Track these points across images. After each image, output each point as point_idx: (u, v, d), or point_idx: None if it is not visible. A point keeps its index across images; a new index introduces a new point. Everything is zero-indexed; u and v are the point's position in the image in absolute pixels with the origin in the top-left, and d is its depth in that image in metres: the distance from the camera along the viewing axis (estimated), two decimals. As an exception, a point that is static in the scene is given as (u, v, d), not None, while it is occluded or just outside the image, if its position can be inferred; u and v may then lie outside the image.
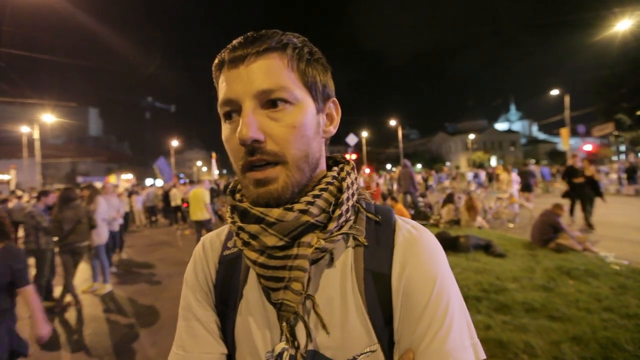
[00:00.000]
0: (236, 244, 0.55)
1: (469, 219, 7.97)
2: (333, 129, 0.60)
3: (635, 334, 2.69)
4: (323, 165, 0.59)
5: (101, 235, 5.14)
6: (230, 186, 0.62)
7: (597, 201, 7.39)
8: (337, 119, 0.61)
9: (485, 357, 0.49)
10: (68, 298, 4.49)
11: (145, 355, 3.21)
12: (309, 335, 0.51)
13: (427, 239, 0.56)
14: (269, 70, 0.49)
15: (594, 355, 2.47)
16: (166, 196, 12.54)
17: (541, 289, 3.75)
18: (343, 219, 0.53)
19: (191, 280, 0.63)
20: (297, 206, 0.50)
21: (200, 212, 6.74)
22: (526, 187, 9.92)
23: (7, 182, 15.18)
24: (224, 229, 0.67)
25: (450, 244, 5.55)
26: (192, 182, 13.12)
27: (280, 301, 0.49)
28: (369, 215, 0.58)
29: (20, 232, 4.79)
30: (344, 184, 0.56)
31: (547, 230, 5.48)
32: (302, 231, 0.50)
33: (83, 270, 5.36)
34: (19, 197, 10.64)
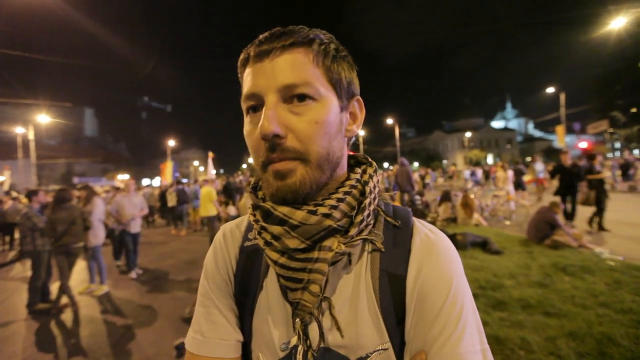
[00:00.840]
0: (257, 240, 0.56)
1: (465, 217, 8.00)
2: (356, 128, 0.59)
3: (630, 329, 2.72)
4: (344, 165, 0.58)
5: (98, 236, 5.11)
6: (252, 183, 0.62)
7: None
8: (361, 118, 0.60)
9: None
10: (64, 299, 4.47)
11: (144, 355, 3.20)
12: (321, 335, 0.52)
13: (444, 243, 0.56)
14: (294, 65, 0.49)
15: (590, 351, 2.49)
16: (163, 196, 12.49)
17: (537, 286, 3.78)
18: (364, 223, 0.53)
19: (211, 267, 0.63)
20: (320, 210, 0.50)
21: (209, 208, 7.53)
22: (518, 186, 10.03)
23: (1, 184, 15.03)
24: (244, 220, 0.67)
25: (447, 242, 5.57)
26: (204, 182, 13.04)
27: (297, 300, 0.50)
28: (388, 219, 0.58)
29: (16, 234, 4.76)
30: (367, 188, 0.55)
31: (544, 227, 5.51)
32: (324, 235, 0.50)
33: (79, 272, 5.33)
34: (14, 199, 10.56)
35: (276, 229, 0.50)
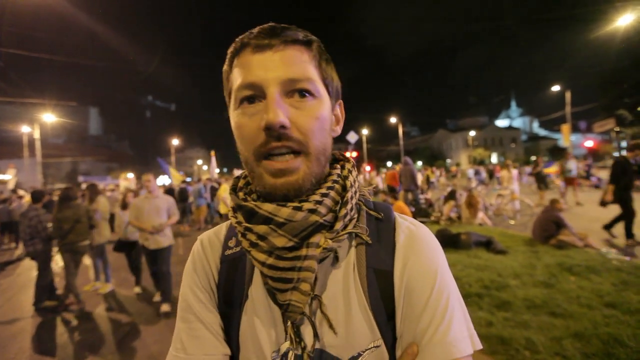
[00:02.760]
0: (240, 244, 0.55)
1: (469, 216, 7.96)
2: (339, 129, 0.61)
3: (637, 329, 2.69)
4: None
5: (103, 235, 5.16)
6: (231, 184, 0.61)
7: (598, 197, 7.26)
8: (342, 120, 0.63)
9: (481, 347, 0.50)
10: (70, 297, 4.51)
11: (148, 353, 3.22)
12: (316, 335, 0.51)
13: (426, 235, 0.58)
14: (298, 61, 0.50)
15: (596, 351, 2.46)
16: (168, 194, 12.57)
17: (542, 286, 3.75)
18: (348, 217, 0.54)
19: (191, 279, 0.61)
20: (306, 205, 0.50)
21: (224, 206, 8.19)
22: (541, 184, 10.25)
23: (6, 182, 15.15)
24: (222, 228, 0.66)
25: (452, 241, 5.55)
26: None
27: (287, 302, 0.49)
28: (371, 212, 0.60)
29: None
30: (347, 182, 0.56)
31: (549, 227, 5.46)
32: (311, 232, 0.50)
33: (85, 270, 5.37)
34: (20, 197, 10.65)
35: (262, 229, 0.49)
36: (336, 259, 0.54)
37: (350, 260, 0.55)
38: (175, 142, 38.09)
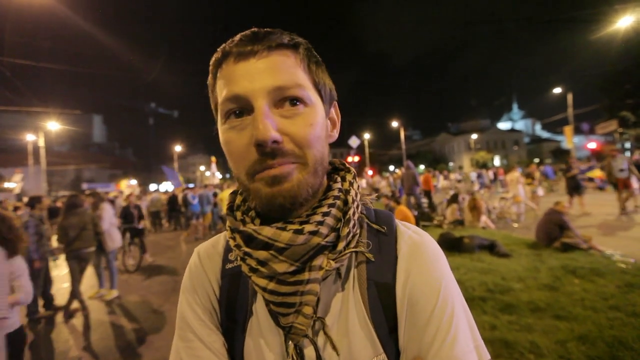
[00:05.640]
0: (239, 263, 0.53)
1: (472, 219, 7.94)
2: (336, 133, 0.58)
3: (642, 332, 2.68)
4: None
5: (114, 240, 5.20)
6: (228, 201, 0.58)
7: (603, 199, 7.26)
8: (338, 123, 0.60)
9: (489, 357, 0.49)
10: (75, 304, 4.53)
11: (154, 359, 3.23)
12: (318, 357, 0.49)
13: (430, 244, 0.55)
14: (284, 67, 0.47)
15: (601, 354, 2.46)
16: (171, 201, 12.62)
17: (546, 289, 3.74)
18: (350, 235, 0.52)
19: (190, 296, 0.58)
20: (307, 227, 0.47)
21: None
22: (575, 190, 8.74)
23: (12, 190, 15.31)
24: (220, 239, 0.63)
25: (455, 245, 5.54)
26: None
27: (290, 324, 0.48)
28: (373, 225, 0.57)
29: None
30: (349, 197, 0.53)
31: (553, 229, 5.44)
32: (313, 255, 0.47)
33: (89, 276, 5.40)
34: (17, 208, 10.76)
35: (262, 254, 0.47)
36: (338, 276, 0.53)
37: (351, 275, 0.53)
38: (178, 148, 38.29)
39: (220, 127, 0.50)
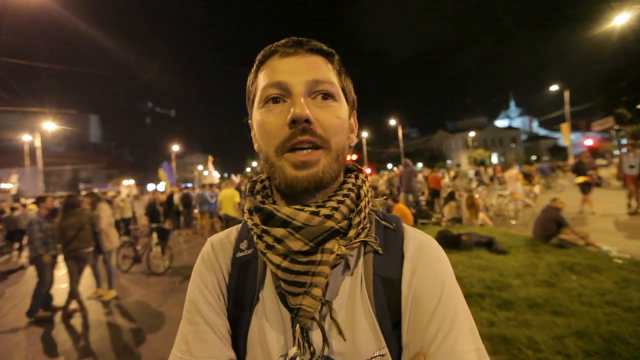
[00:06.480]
0: (252, 247, 0.58)
1: (470, 217, 7.97)
2: (354, 137, 0.64)
3: (638, 327, 2.70)
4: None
5: (112, 241, 5.18)
6: (248, 187, 0.63)
7: (599, 195, 7.27)
8: (356, 130, 0.66)
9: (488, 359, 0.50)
10: (73, 304, 4.52)
11: (153, 358, 3.23)
12: (325, 340, 0.51)
13: (435, 246, 0.59)
14: (321, 66, 0.55)
15: (598, 349, 2.48)
16: (169, 201, 12.58)
17: (544, 285, 3.76)
18: (361, 225, 0.55)
19: (200, 282, 0.60)
20: (323, 211, 0.51)
21: (231, 209, 8.06)
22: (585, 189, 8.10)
23: (8, 191, 15.26)
24: (232, 230, 0.67)
25: (453, 242, 5.56)
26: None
27: (298, 306, 0.50)
28: (383, 222, 0.61)
29: (25, 240, 4.82)
30: (362, 191, 0.58)
31: (550, 226, 5.47)
32: (326, 237, 0.51)
33: (87, 277, 5.38)
34: (24, 205, 10.73)
35: (279, 231, 0.51)
36: (347, 266, 0.55)
37: (359, 267, 0.55)
38: (175, 148, 38.17)
39: (257, 111, 0.56)
